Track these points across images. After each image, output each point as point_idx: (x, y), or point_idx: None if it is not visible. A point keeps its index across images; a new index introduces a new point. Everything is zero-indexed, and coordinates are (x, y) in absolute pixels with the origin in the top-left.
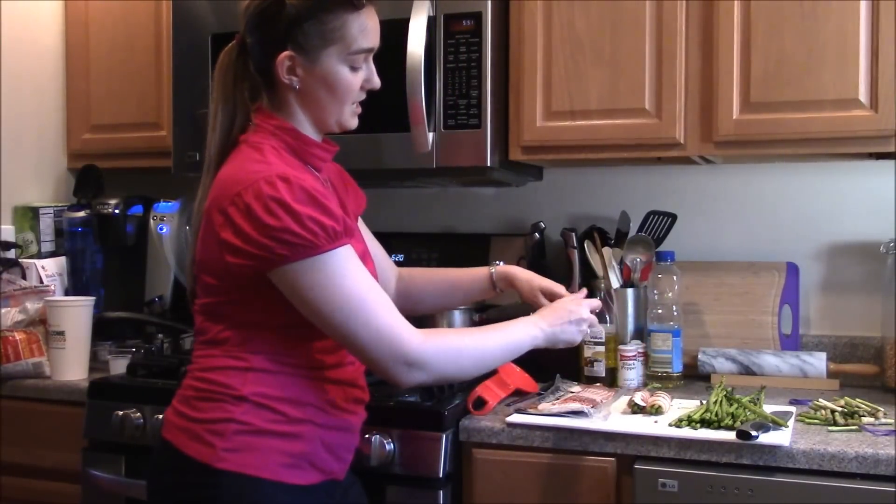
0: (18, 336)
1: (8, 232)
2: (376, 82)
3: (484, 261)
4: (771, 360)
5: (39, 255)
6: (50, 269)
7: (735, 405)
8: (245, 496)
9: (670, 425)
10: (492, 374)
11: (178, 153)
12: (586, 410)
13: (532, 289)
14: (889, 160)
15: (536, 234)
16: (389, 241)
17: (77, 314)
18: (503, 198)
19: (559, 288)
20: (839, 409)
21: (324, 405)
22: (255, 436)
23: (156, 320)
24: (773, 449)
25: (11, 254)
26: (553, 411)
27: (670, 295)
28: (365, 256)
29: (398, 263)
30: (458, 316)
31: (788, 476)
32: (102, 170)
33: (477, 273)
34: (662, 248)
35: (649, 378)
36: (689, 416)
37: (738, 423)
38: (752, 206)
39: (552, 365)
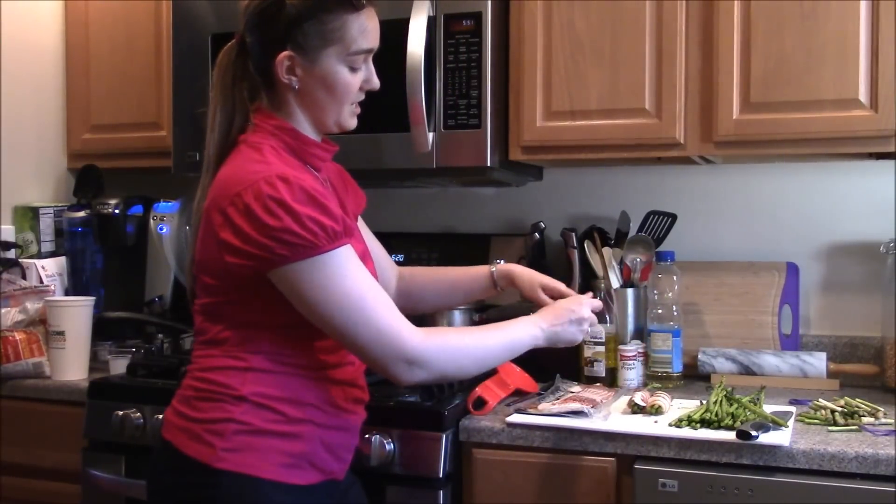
0: (18, 336)
1: (8, 232)
2: (375, 83)
3: (484, 261)
4: (771, 360)
5: (39, 255)
6: (50, 269)
7: (735, 405)
8: (245, 496)
9: (670, 425)
10: (492, 374)
11: (178, 153)
12: (586, 410)
13: (533, 285)
14: (889, 160)
15: (536, 234)
16: (389, 241)
17: (77, 314)
18: (503, 198)
19: (559, 284)
20: (839, 409)
21: (323, 405)
22: (254, 436)
23: (156, 320)
24: (773, 449)
25: (11, 254)
26: (553, 411)
27: (670, 295)
28: (365, 256)
29: (398, 263)
30: (458, 316)
31: (788, 476)
32: (102, 170)
33: (478, 272)
34: (662, 248)
35: (649, 378)
36: (689, 416)
37: (738, 423)
38: (752, 206)
39: (552, 365)
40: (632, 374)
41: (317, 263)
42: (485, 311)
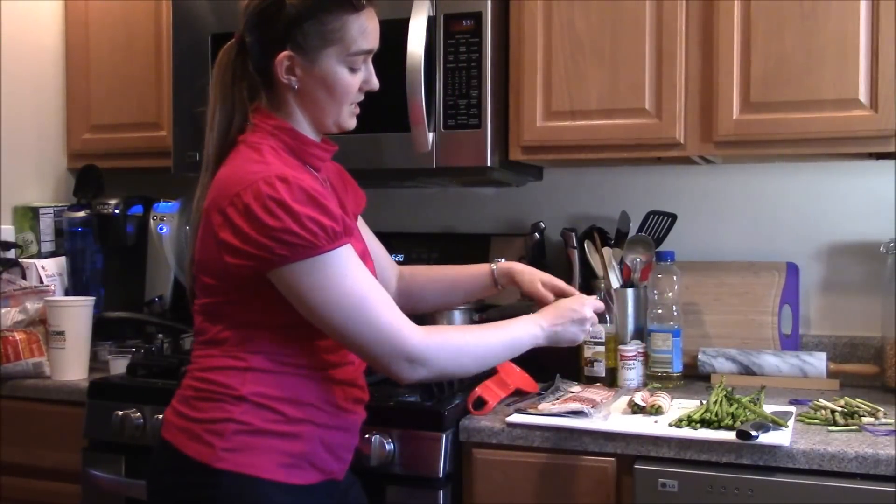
0: (18, 336)
1: (8, 232)
2: (375, 84)
3: (484, 261)
4: (771, 360)
5: (39, 255)
6: (50, 269)
7: (735, 405)
8: (244, 496)
9: (670, 425)
10: (492, 373)
11: (178, 153)
12: (586, 410)
13: (533, 280)
14: (889, 160)
15: (536, 234)
16: (389, 241)
17: (77, 314)
18: (503, 198)
19: (559, 282)
20: (839, 409)
21: (323, 405)
22: (254, 436)
23: (156, 320)
24: (773, 449)
25: (11, 254)
26: (553, 411)
27: (670, 295)
28: (364, 256)
29: (398, 263)
30: (458, 316)
31: (788, 476)
32: (102, 170)
33: (478, 270)
34: (662, 248)
35: (649, 378)
36: (689, 416)
37: (738, 423)
38: (752, 206)
39: (552, 365)
40: (632, 374)
41: (317, 263)
42: (485, 310)
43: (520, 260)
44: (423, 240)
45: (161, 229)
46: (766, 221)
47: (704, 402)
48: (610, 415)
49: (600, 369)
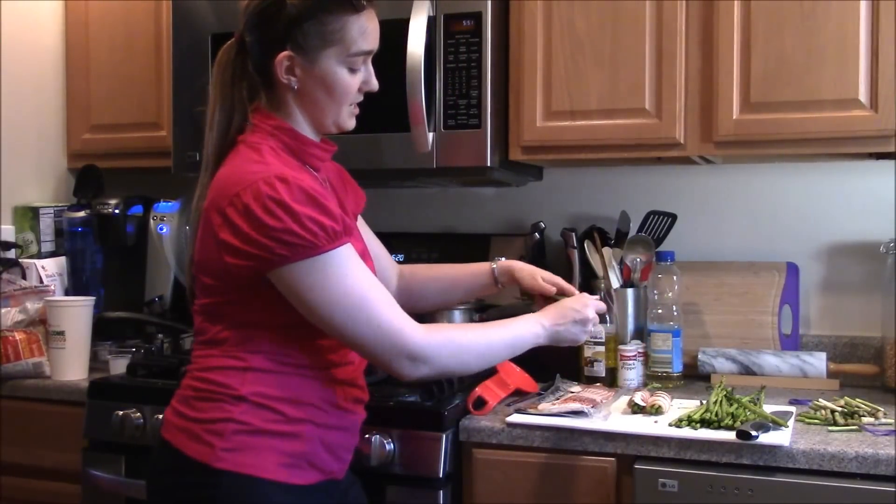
0: (18, 336)
1: (8, 232)
2: (374, 84)
3: (484, 261)
4: (771, 360)
5: (39, 255)
6: (50, 269)
7: (735, 405)
8: (244, 496)
9: (670, 425)
10: (492, 373)
11: (178, 153)
12: (586, 410)
13: (533, 276)
14: (889, 160)
15: (536, 234)
16: (389, 241)
17: (77, 314)
18: (503, 198)
19: (559, 279)
20: (839, 409)
21: (323, 405)
22: (253, 435)
23: (156, 320)
24: (773, 449)
25: (11, 254)
26: (553, 411)
27: (670, 295)
28: (364, 255)
29: (398, 263)
30: (458, 316)
31: (788, 476)
32: (102, 170)
33: (478, 268)
34: (662, 248)
35: (649, 378)
36: (689, 416)
37: (738, 423)
38: (752, 206)
39: (552, 365)
40: (632, 374)
41: (317, 263)
42: (485, 310)
43: (520, 260)
44: (423, 240)
45: (161, 229)
46: (766, 221)
47: (704, 402)
48: (610, 415)
49: (600, 369)
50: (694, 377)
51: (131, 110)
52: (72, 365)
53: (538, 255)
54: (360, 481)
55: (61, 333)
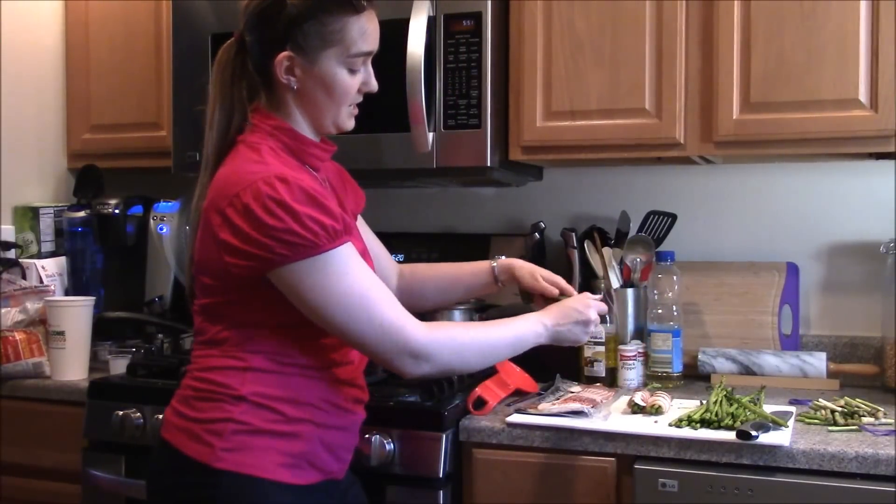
0: (18, 336)
1: (8, 232)
2: (374, 85)
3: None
4: (771, 360)
5: (39, 255)
6: (50, 269)
7: (735, 405)
8: (244, 496)
9: (670, 425)
10: (492, 373)
11: (178, 153)
12: (586, 410)
13: (533, 275)
14: (889, 160)
15: (536, 234)
16: (389, 241)
17: (77, 314)
18: (503, 198)
19: (559, 278)
20: (839, 409)
21: (323, 405)
22: (253, 435)
23: (156, 320)
24: (773, 449)
25: (11, 254)
26: (553, 411)
27: (670, 295)
28: (364, 255)
29: (398, 263)
30: (458, 316)
31: (788, 476)
32: (102, 170)
33: (478, 267)
34: (662, 248)
35: (649, 378)
36: (689, 416)
37: (738, 423)
38: (752, 206)
39: (552, 365)
40: (632, 374)
41: (318, 263)
42: (485, 310)
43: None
44: (423, 240)
45: (161, 229)
46: (766, 221)
47: (704, 402)
48: (610, 415)
49: (600, 369)
50: (694, 377)
51: (131, 110)
52: (72, 365)
53: (538, 255)
54: (360, 481)
55: (61, 333)
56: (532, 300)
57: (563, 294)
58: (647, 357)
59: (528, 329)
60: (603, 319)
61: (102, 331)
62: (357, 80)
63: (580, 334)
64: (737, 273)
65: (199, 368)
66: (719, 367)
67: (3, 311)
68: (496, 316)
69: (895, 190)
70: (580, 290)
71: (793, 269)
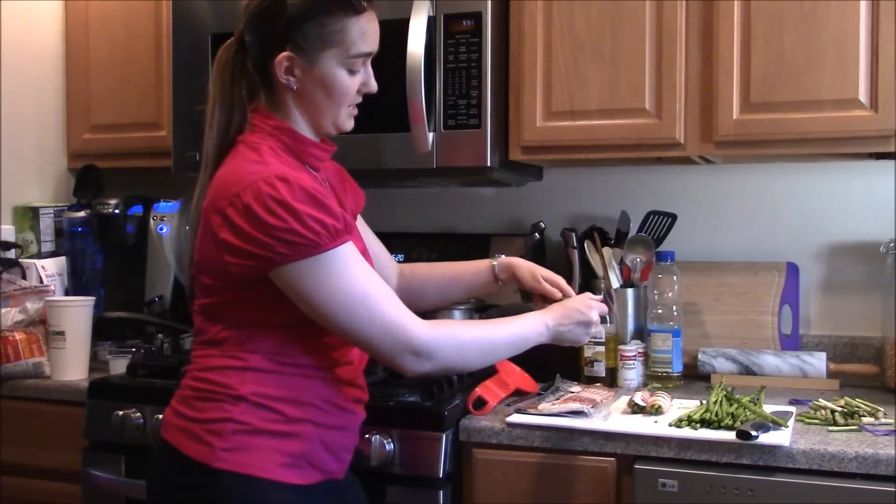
0: (18, 336)
1: (8, 232)
2: (373, 86)
3: None
4: (771, 360)
5: (39, 255)
6: (50, 269)
7: (735, 405)
8: (244, 496)
9: (670, 425)
10: (492, 373)
11: (177, 153)
12: (586, 410)
13: (533, 275)
14: (889, 160)
15: (536, 234)
16: (389, 241)
17: (77, 314)
18: (503, 198)
19: (559, 278)
20: (839, 409)
21: (323, 404)
22: (253, 435)
23: (156, 320)
24: (773, 449)
25: (11, 254)
26: (553, 411)
27: (670, 295)
28: (364, 255)
29: (398, 263)
30: (458, 315)
31: (788, 476)
32: (102, 170)
33: (479, 266)
34: (662, 248)
35: (649, 378)
36: (689, 416)
37: (738, 423)
38: (752, 206)
39: (552, 365)
40: (632, 374)
41: (319, 262)
42: (484, 310)
43: None
44: (423, 240)
45: (161, 229)
46: (766, 221)
47: (704, 402)
48: (610, 415)
49: (600, 369)
50: (694, 377)
51: (131, 110)
52: (72, 365)
53: (538, 255)
54: (360, 481)
55: (61, 333)
56: (531, 299)
57: (563, 294)
58: (647, 357)
59: (529, 328)
60: (603, 320)
61: (102, 331)
62: (357, 81)
63: (581, 335)
64: (737, 273)
65: (198, 368)
66: (719, 367)
67: (3, 311)
68: (496, 315)
69: (895, 190)
70: (580, 291)
71: (793, 269)
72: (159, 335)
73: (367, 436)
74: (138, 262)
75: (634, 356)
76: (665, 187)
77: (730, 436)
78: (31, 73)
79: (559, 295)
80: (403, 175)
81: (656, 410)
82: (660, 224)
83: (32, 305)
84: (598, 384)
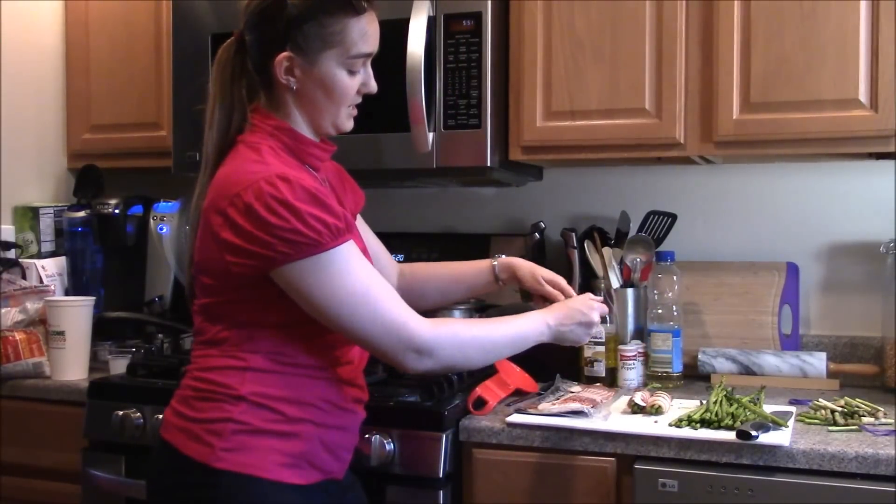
0: (18, 336)
1: (8, 232)
2: (373, 87)
3: None
4: (771, 360)
5: (39, 255)
6: (50, 269)
7: (735, 405)
8: (244, 496)
9: (670, 425)
10: (492, 373)
11: (177, 153)
12: (586, 410)
13: (534, 276)
14: (889, 160)
15: (536, 234)
16: (389, 241)
17: (77, 314)
18: (503, 198)
19: (559, 278)
20: (839, 409)
21: (323, 404)
22: (253, 435)
23: (156, 320)
24: (773, 449)
25: (11, 254)
26: (553, 411)
27: (670, 295)
28: (364, 254)
29: (398, 263)
30: (458, 315)
31: (788, 476)
32: (102, 170)
33: (479, 265)
34: (662, 248)
35: (649, 378)
36: (689, 416)
37: (738, 423)
38: (752, 206)
39: (552, 365)
40: (632, 374)
41: (321, 261)
42: (484, 310)
43: None
44: (423, 240)
45: (161, 229)
46: (766, 221)
47: (704, 402)
48: (610, 415)
49: (600, 369)
50: (694, 377)
51: (131, 110)
52: (72, 365)
53: (538, 255)
54: (360, 481)
55: (61, 333)
56: (531, 299)
57: (564, 295)
58: (647, 357)
59: (530, 327)
60: (603, 320)
61: (102, 331)
62: (356, 82)
63: (582, 335)
64: (737, 273)
65: (198, 368)
66: (719, 367)
67: (3, 311)
68: (496, 315)
69: (895, 190)
70: (580, 291)
71: (793, 269)
72: (159, 335)
73: (367, 436)
74: (138, 262)
75: (634, 356)
76: (665, 187)
77: (730, 436)
78: (31, 73)
79: (560, 297)
80: (403, 175)
81: (656, 410)
82: (660, 224)
83: (32, 305)
84: (598, 384)
